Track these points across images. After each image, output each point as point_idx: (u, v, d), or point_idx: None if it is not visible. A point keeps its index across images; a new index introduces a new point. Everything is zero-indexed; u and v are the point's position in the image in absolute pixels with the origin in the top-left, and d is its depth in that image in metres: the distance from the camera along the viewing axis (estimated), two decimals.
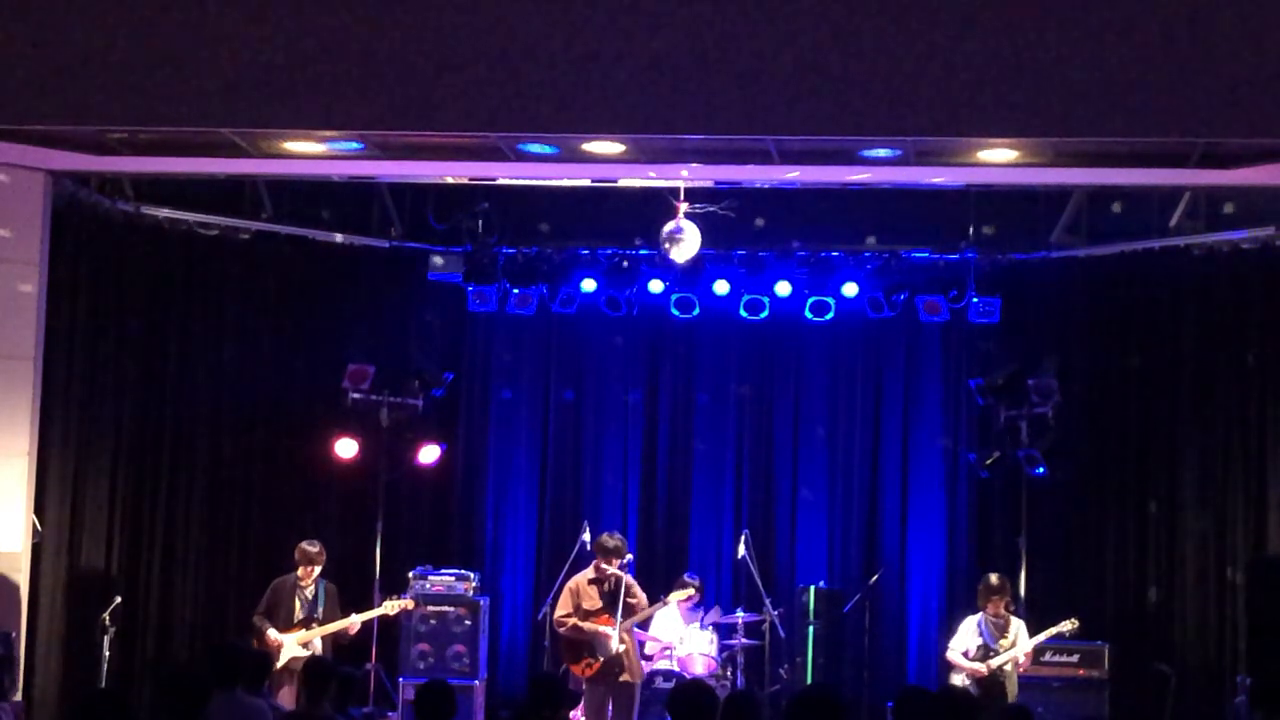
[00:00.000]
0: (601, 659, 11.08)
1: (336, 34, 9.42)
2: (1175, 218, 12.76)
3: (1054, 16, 9.19)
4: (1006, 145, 9.94)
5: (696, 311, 14.04)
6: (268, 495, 13.40)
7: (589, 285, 13.99)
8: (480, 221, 13.83)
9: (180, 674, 7.14)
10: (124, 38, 9.48)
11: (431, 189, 13.57)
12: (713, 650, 12.53)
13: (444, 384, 14.12)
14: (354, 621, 11.73)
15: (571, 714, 11.21)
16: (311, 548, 11.70)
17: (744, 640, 12.68)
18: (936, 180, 11.27)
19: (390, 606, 12.10)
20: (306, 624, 11.58)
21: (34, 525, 11.28)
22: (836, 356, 14.47)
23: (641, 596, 11.39)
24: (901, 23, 9.23)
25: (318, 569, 11.72)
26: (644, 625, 12.08)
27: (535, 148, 10.15)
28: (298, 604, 11.64)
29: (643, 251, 13.81)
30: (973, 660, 11.28)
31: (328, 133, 9.93)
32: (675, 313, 14.07)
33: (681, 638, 12.51)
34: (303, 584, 11.69)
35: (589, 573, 11.34)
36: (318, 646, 11.53)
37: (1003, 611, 11.44)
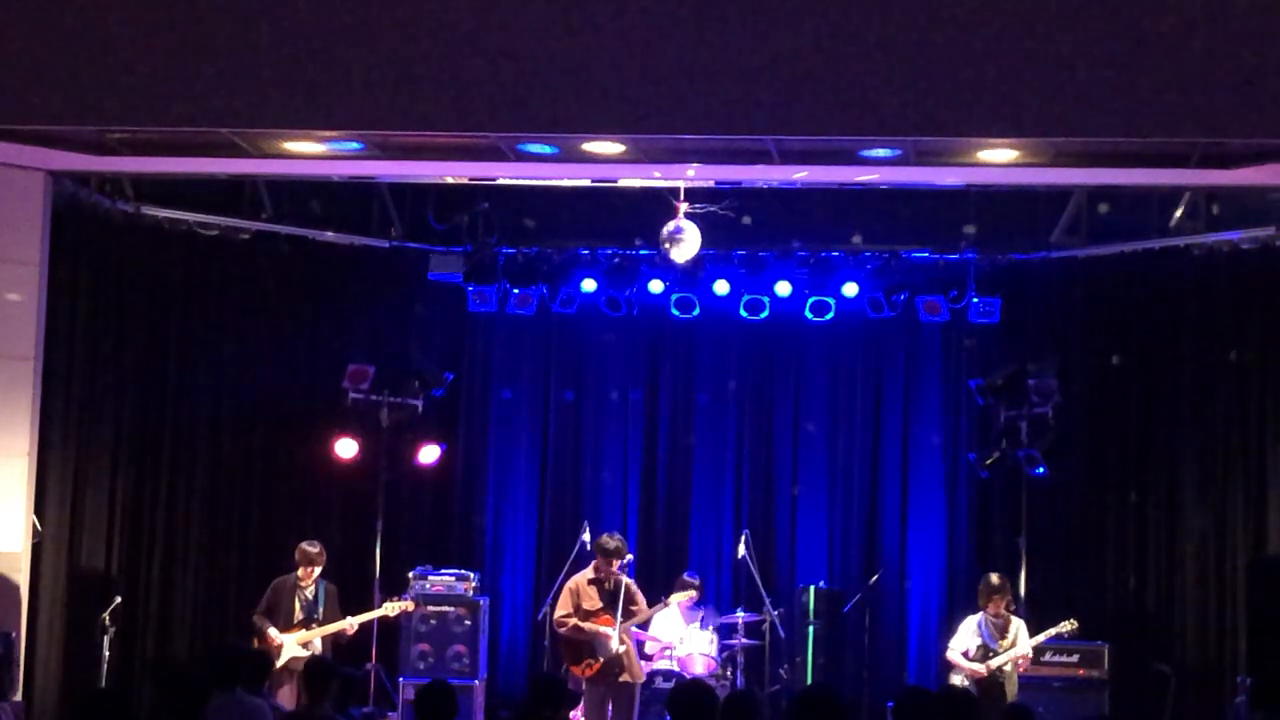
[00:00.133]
0: (601, 659, 11.08)
1: (336, 34, 9.42)
2: (1175, 218, 12.76)
3: (1054, 16, 9.19)
4: (1006, 145, 9.94)
5: (696, 311, 14.04)
6: (268, 495, 13.39)
7: (589, 285, 13.99)
8: (480, 221, 13.82)
9: (180, 674, 7.16)
10: (124, 38, 9.48)
11: (431, 189, 13.57)
12: (713, 650, 12.53)
13: (444, 384, 14.11)
14: (352, 623, 11.74)
15: (571, 714, 11.20)
16: (312, 548, 11.71)
17: (744, 640, 12.68)
18: (936, 180, 11.28)
19: (390, 608, 12.11)
20: (306, 624, 11.59)
21: (34, 525, 11.29)
22: (836, 356, 14.47)
23: (642, 603, 11.38)
24: (901, 22, 9.23)
25: (318, 569, 11.72)
26: (644, 625, 12.08)
27: (535, 148, 10.15)
28: (298, 604, 11.64)
29: (643, 251, 13.80)
30: (972, 660, 11.29)
31: (328, 133, 9.93)
32: (675, 313, 14.07)
33: (681, 638, 12.51)
34: (303, 584, 11.69)
35: (588, 573, 11.34)
36: (317, 646, 11.53)
37: (1003, 611, 11.44)
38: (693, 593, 12.42)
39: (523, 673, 13.98)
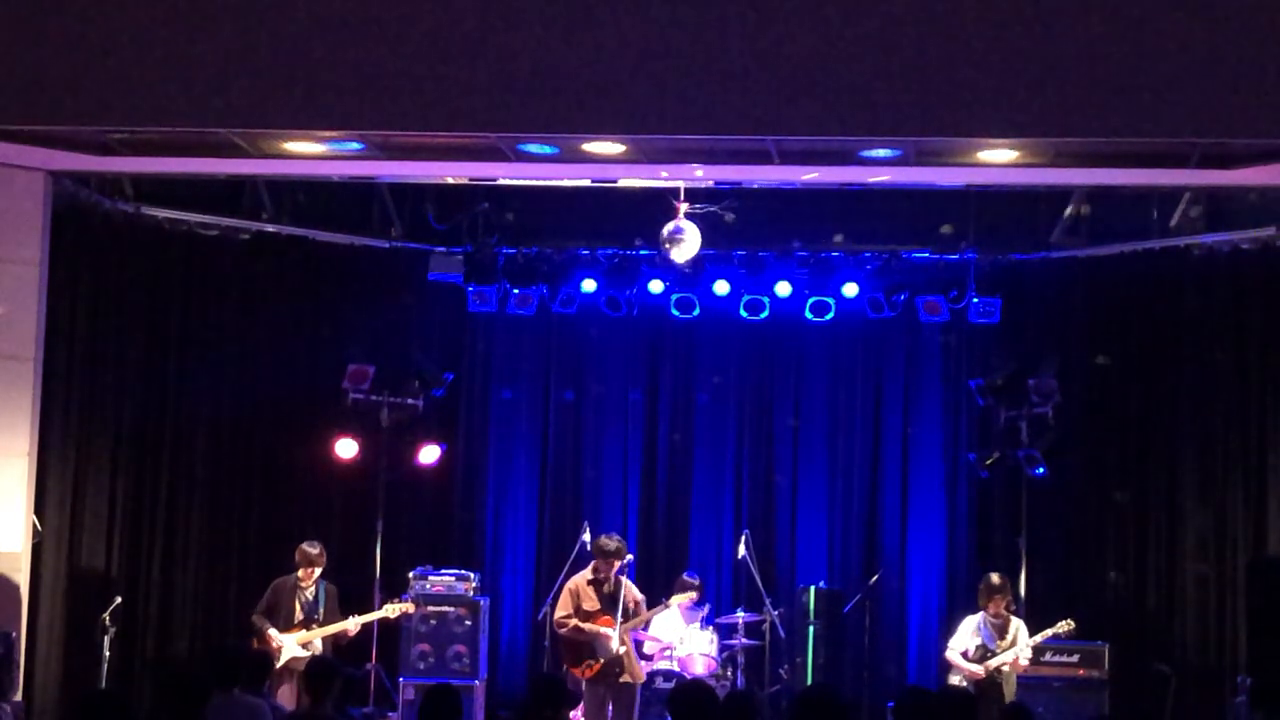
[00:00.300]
0: (601, 660, 11.08)
1: (336, 34, 9.42)
2: (1175, 218, 12.76)
3: (1054, 16, 9.19)
4: (1006, 145, 9.94)
5: (696, 311, 14.04)
6: (268, 495, 13.39)
7: (589, 285, 13.99)
8: (480, 221, 13.82)
9: (180, 674, 7.15)
10: (124, 38, 9.48)
11: (431, 189, 13.57)
12: (713, 650, 12.53)
13: (444, 384, 14.11)
14: (353, 624, 11.74)
15: (572, 714, 11.21)
16: (312, 549, 11.71)
17: (744, 640, 12.68)
18: (936, 180, 11.28)
19: (390, 610, 12.11)
20: (306, 625, 11.59)
21: (34, 525, 11.29)
22: (837, 357, 14.47)
23: (642, 607, 11.36)
24: (901, 23, 9.24)
25: (318, 570, 11.72)
26: (644, 625, 12.07)
27: (535, 148, 10.15)
28: (298, 605, 11.65)
29: (643, 251, 13.80)
30: (971, 660, 11.29)
31: (328, 133, 9.93)
32: (675, 313, 14.07)
33: (682, 638, 12.51)
34: (303, 585, 11.69)
35: (588, 573, 11.33)
36: (318, 647, 11.53)
37: (1003, 611, 11.45)
38: (693, 594, 12.42)
39: (523, 673, 13.98)
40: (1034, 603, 13.00)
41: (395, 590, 12.85)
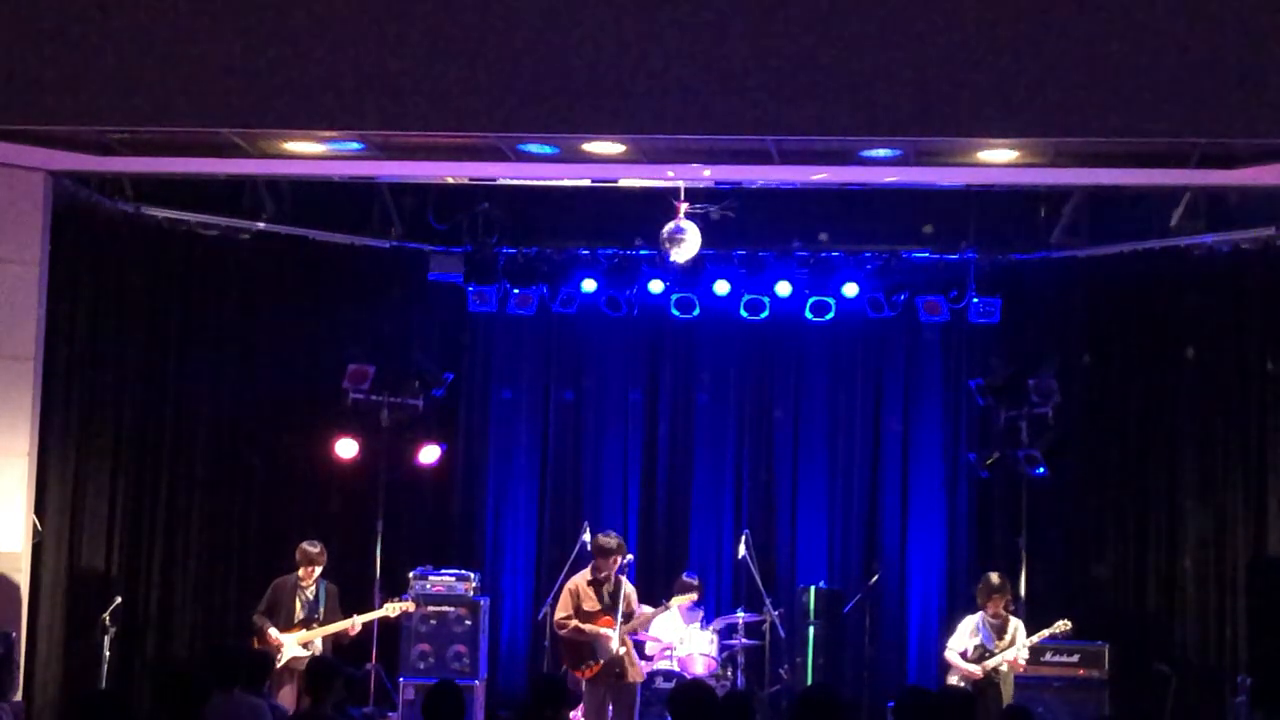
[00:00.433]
0: (602, 660, 11.08)
1: (336, 34, 9.41)
2: (1175, 218, 12.76)
3: (1054, 16, 9.19)
4: (1006, 145, 9.93)
5: (696, 311, 14.04)
6: (268, 495, 13.39)
7: (589, 285, 13.99)
8: (480, 221, 13.82)
9: (180, 674, 7.15)
10: (124, 38, 9.47)
11: (431, 189, 13.56)
12: (713, 650, 12.53)
13: (444, 384, 14.11)
14: (354, 623, 11.75)
15: (572, 715, 11.21)
16: (312, 548, 11.71)
17: (744, 640, 12.68)
18: (937, 180, 11.28)
19: (391, 609, 12.11)
20: (307, 624, 11.59)
21: (34, 525, 11.28)
22: (837, 356, 14.47)
23: (634, 604, 11.35)
24: (901, 22, 9.23)
25: (319, 569, 11.73)
26: (645, 627, 12.06)
27: (535, 148, 10.15)
28: (298, 604, 11.65)
29: (643, 251, 13.80)
30: (969, 660, 11.30)
31: (328, 133, 9.92)
32: (675, 313, 14.07)
33: (682, 638, 12.51)
34: (304, 584, 11.70)
35: (587, 573, 11.33)
36: (318, 647, 11.54)
37: (1002, 611, 11.45)
38: (693, 595, 12.41)
39: (523, 673, 13.98)
40: (1034, 603, 13.00)
41: (395, 590, 12.85)
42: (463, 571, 13.05)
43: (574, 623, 11.15)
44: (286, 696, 11.08)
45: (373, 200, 13.88)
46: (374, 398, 13.56)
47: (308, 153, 10.43)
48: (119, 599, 11.89)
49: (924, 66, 9.22)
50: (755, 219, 12.92)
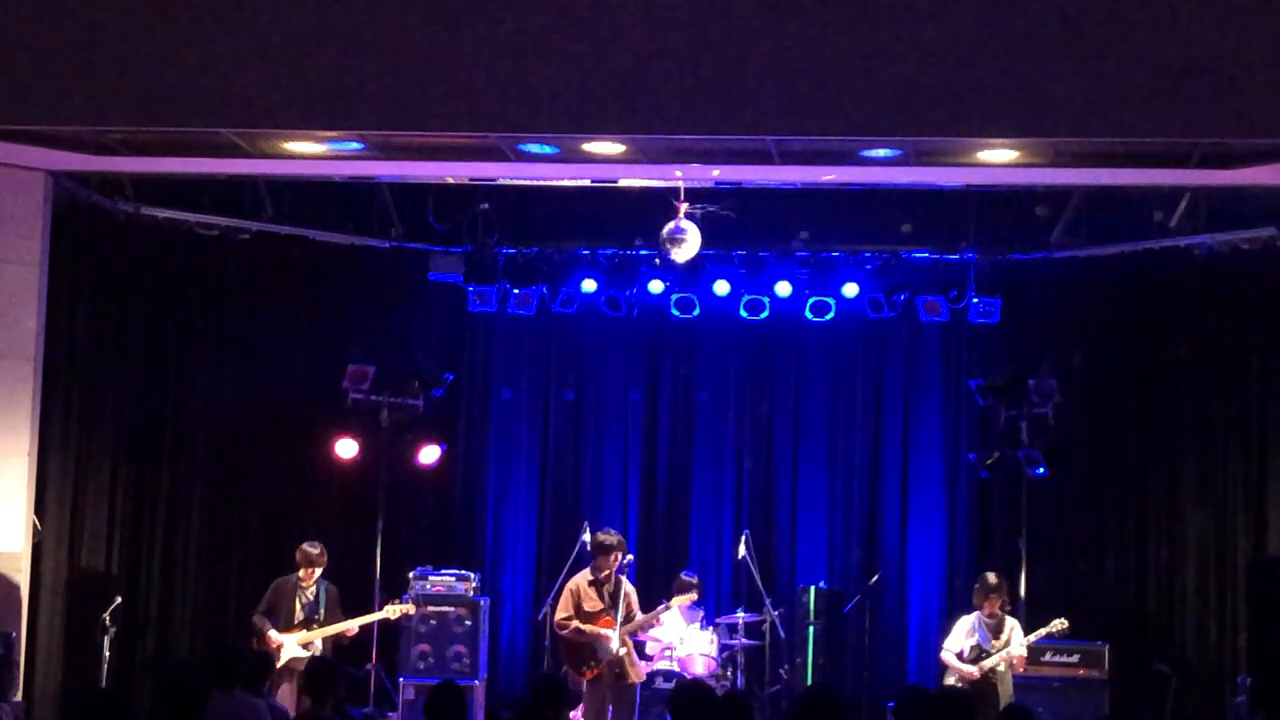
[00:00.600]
0: (603, 661, 11.07)
1: (336, 34, 9.41)
2: (1175, 218, 12.76)
3: (1055, 17, 9.18)
4: (1006, 145, 9.94)
5: (696, 311, 14.04)
6: (268, 495, 13.40)
7: (589, 285, 13.99)
8: (480, 221, 13.82)
9: (180, 674, 7.13)
10: (124, 38, 9.47)
11: (431, 189, 13.56)
12: (713, 650, 12.53)
13: (444, 384, 14.12)
14: (353, 625, 11.75)
15: (572, 715, 11.21)
16: (313, 549, 11.71)
17: (744, 640, 12.68)
18: (937, 180, 11.28)
19: (391, 611, 12.12)
20: (307, 625, 11.59)
21: (34, 525, 11.29)
22: (837, 357, 14.47)
23: (634, 603, 11.35)
24: (902, 23, 9.23)
25: (319, 570, 11.73)
26: (646, 628, 12.05)
27: (535, 148, 10.15)
28: (298, 605, 11.65)
29: (643, 251, 13.80)
30: (966, 661, 11.30)
31: (328, 133, 9.92)
32: (675, 313, 14.07)
33: (682, 638, 12.51)
34: (304, 585, 11.70)
35: (588, 574, 11.32)
36: (318, 647, 11.54)
37: (997, 611, 11.46)
38: (693, 594, 12.40)
39: (523, 673, 13.98)
40: (1034, 603, 13.00)
41: (395, 590, 12.85)
42: (463, 572, 13.05)
43: (575, 623, 11.14)
44: (286, 696, 11.07)
45: (373, 200, 13.87)
46: (374, 398, 13.56)
47: (308, 153, 10.43)
48: (119, 599, 11.88)
49: (924, 66, 9.22)
50: (755, 219, 12.92)
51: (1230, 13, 9.08)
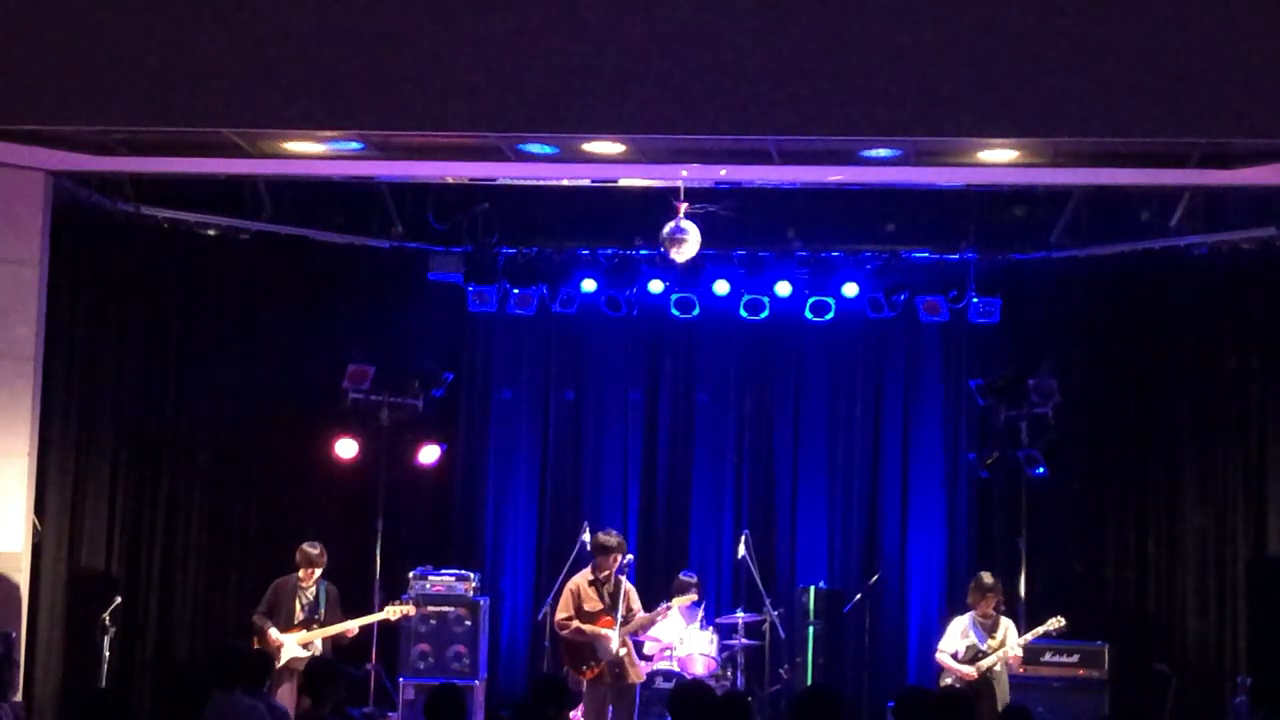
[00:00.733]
0: (603, 661, 11.07)
1: (337, 34, 9.41)
2: (1175, 218, 12.76)
3: (1054, 16, 9.19)
4: (1006, 145, 9.94)
5: (696, 311, 14.04)
6: (268, 496, 13.39)
7: (589, 285, 13.99)
8: (480, 221, 13.82)
9: (180, 674, 7.15)
10: (124, 37, 9.47)
11: (431, 189, 13.55)
12: (713, 650, 12.53)
13: (444, 384, 14.12)
14: (353, 625, 11.76)
15: (572, 715, 11.21)
16: (313, 549, 11.72)
17: (744, 640, 12.68)
18: (937, 180, 11.28)
19: (391, 612, 12.12)
20: (307, 625, 11.59)
21: (34, 525, 11.29)
22: (836, 357, 14.47)
23: (633, 604, 11.35)
24: (902, 23, 9.23)
25: (319, 570, 11.74)
26: (646, 629, 12.05)
27: (535, 148, 10.15)
28: (298, 605, 11.65)
29: (643, 251, 13.80)
30: (962, 661, 11.30)
31: (328, 133, 9.92)
32: (675, 313, 14.06)
33: (682, 638, 12.50)
34: (304, 585, 11.70)
35: (588, 573, 11.32)
36: (318, 647, 11.54)
37: (992, 611, 11.46)
38: (693, 594, 12.40)
39: (523, 673, 13.98)
40: (1034, 603, 12.99)
41: (395, 590, 12.85)
42: (463, 571, 13.05)
43: (575, 623, 11.14)
44: (286, 696, 11.07)
45: (373, 200, 13.87)
46: (374, 398, 13.56)
47: (308, 153, 10.43)
48: (119, 599, 11.89)
49: (924, 66, 9.22)
50: (755, 219, 12.92)
51: (1230, 13, 9.09)
